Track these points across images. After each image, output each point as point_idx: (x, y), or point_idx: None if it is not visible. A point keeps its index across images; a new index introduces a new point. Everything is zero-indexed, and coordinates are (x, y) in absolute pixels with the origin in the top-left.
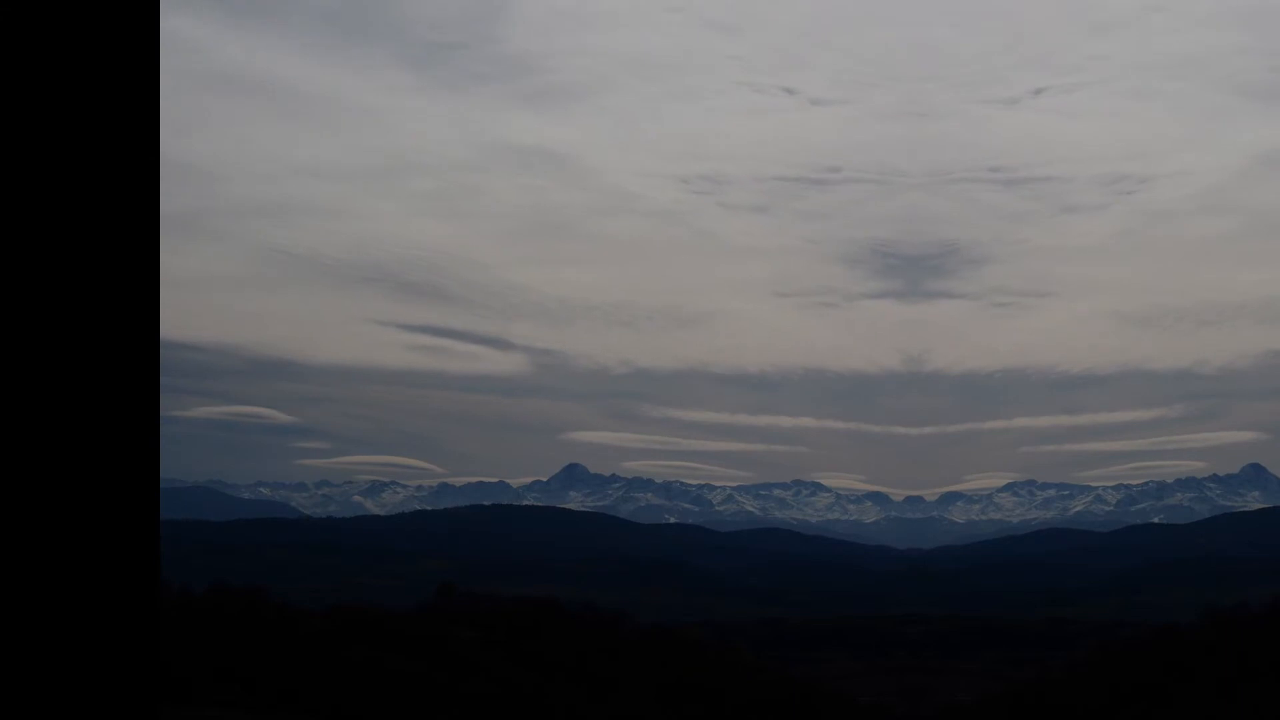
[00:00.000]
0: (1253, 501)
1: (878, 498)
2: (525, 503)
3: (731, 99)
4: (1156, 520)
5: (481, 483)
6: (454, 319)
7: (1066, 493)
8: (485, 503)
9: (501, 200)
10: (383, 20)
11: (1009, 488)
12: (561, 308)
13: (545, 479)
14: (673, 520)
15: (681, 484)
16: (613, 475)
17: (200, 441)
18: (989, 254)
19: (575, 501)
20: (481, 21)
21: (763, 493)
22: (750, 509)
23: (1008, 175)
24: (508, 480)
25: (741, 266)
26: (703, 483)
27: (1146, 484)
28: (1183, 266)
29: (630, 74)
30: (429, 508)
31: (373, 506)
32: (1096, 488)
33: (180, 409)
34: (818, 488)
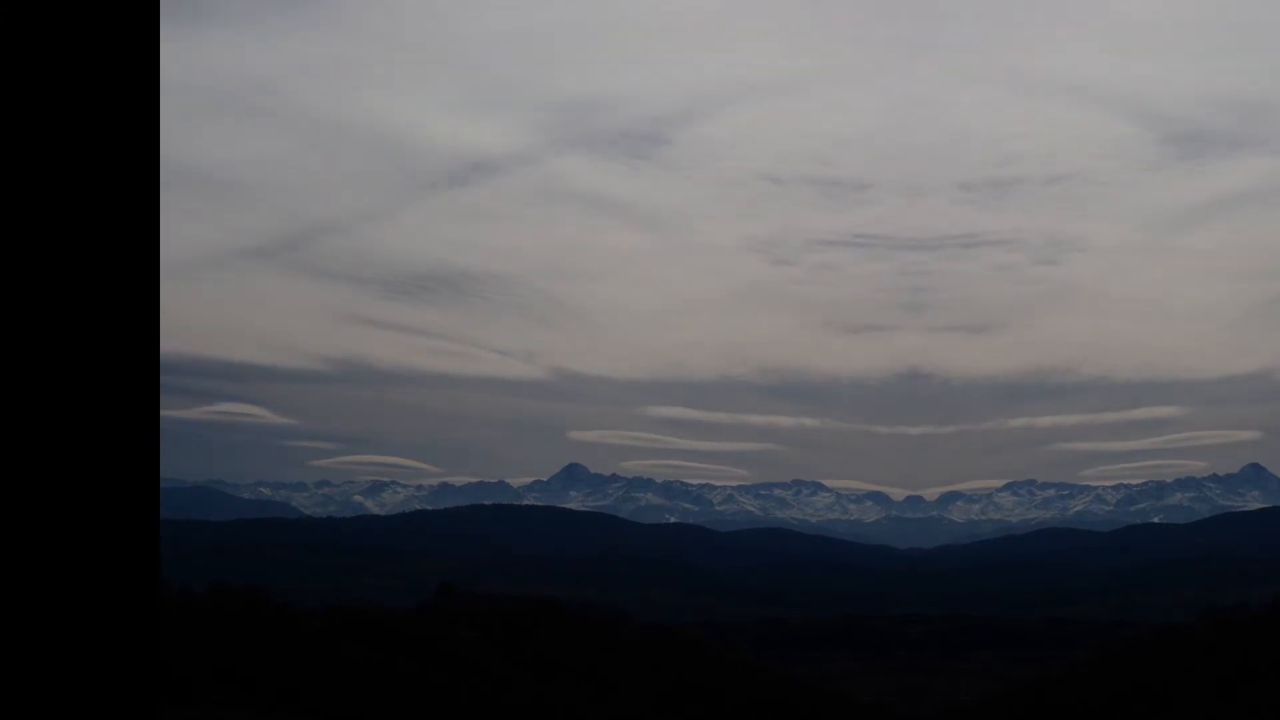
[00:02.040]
0: (1253, 501)
1: (878, 497)
2: (525, 503)
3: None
4: (1156, 520)
5: (481, 483)
6: (476, 325)
7: (1066, 492)
8: (485, 503)
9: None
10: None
11: (1009, 487)
12: (591, 325)
13: (545, 479)
14: (673, 520)
15: (681, 484)
16: (613, 475)
17: (200, 441)
18: (981, 292)
19: (575, 501)
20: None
21: (763, 493)
22: (750, 509)
23: (983, 240)
24: (508, 480)
25: (768, 302)
26: (703, 483)
27: (1146, 484)
28: (1159, 284)
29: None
30: (429, 508)
31: (373, 506)
32: (1096, 488)
33: (180, 409)
34: (818, 487)
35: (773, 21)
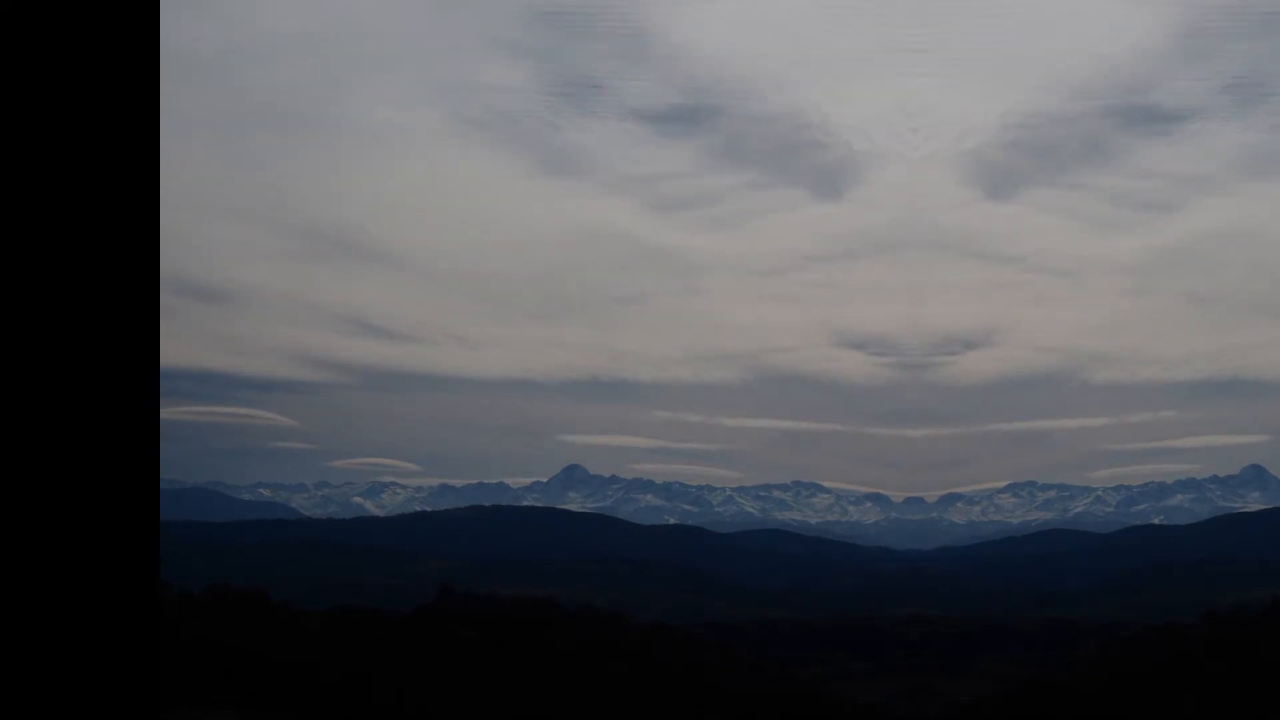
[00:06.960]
0: (1253, 502)
1: (878, 499)
2: (525, 503)
3: None
4: (1157, 521)
5: (481, 483)
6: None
7: (1067, 493)
8: (485, 503)
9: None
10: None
11: (1009, 489)
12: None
13: (545, 480)
14: (672, 521)
15: (681, 485)
16: (613, 476)
17: (200, 442)
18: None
19: (575, 502)
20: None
21: (762, 493)
22: (750, 510)
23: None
24: (508, 481)
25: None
26: (703, 484)
27: (1147, 485)
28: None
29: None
30: (429, 508)
31: (373, 507)
32: (1097, 489)
33: (181, 409)
34: (817, 488)
35: None
